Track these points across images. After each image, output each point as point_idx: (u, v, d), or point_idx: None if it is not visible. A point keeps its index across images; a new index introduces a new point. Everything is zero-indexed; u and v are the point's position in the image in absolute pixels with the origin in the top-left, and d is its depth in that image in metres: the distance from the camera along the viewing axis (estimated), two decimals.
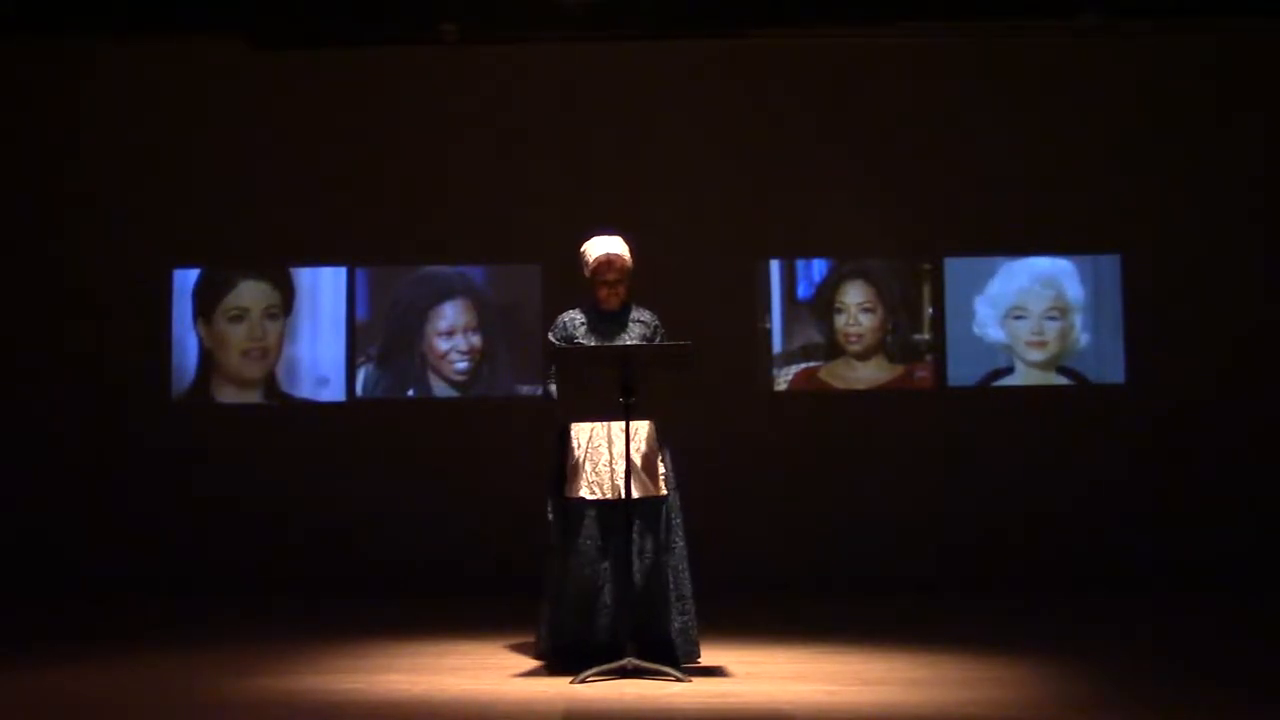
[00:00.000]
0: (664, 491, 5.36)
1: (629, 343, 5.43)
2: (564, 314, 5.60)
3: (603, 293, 5.50)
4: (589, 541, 5.30)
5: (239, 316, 8.17)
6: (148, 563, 7.81)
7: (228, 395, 8.14)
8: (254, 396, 8.14)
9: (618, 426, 5.28)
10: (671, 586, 5.32)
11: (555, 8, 7.59)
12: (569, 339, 5.49)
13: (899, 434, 8.02)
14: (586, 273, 5.52)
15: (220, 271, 8.19)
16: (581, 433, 5.37)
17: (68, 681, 5.20)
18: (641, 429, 5.33)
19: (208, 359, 8.16)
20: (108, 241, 8.14)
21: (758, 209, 8.15)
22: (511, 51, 8.20)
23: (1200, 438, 7.96)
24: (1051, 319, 8.13)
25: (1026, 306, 8.14)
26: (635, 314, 5.56)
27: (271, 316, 8.18)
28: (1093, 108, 8.17)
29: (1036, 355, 8.12)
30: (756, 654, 5.70)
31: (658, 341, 5.50)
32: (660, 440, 5.41)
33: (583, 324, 5.53)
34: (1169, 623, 6.67)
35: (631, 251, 5.52)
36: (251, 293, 8.19)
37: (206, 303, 8.18)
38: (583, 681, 5.02)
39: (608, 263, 5.46)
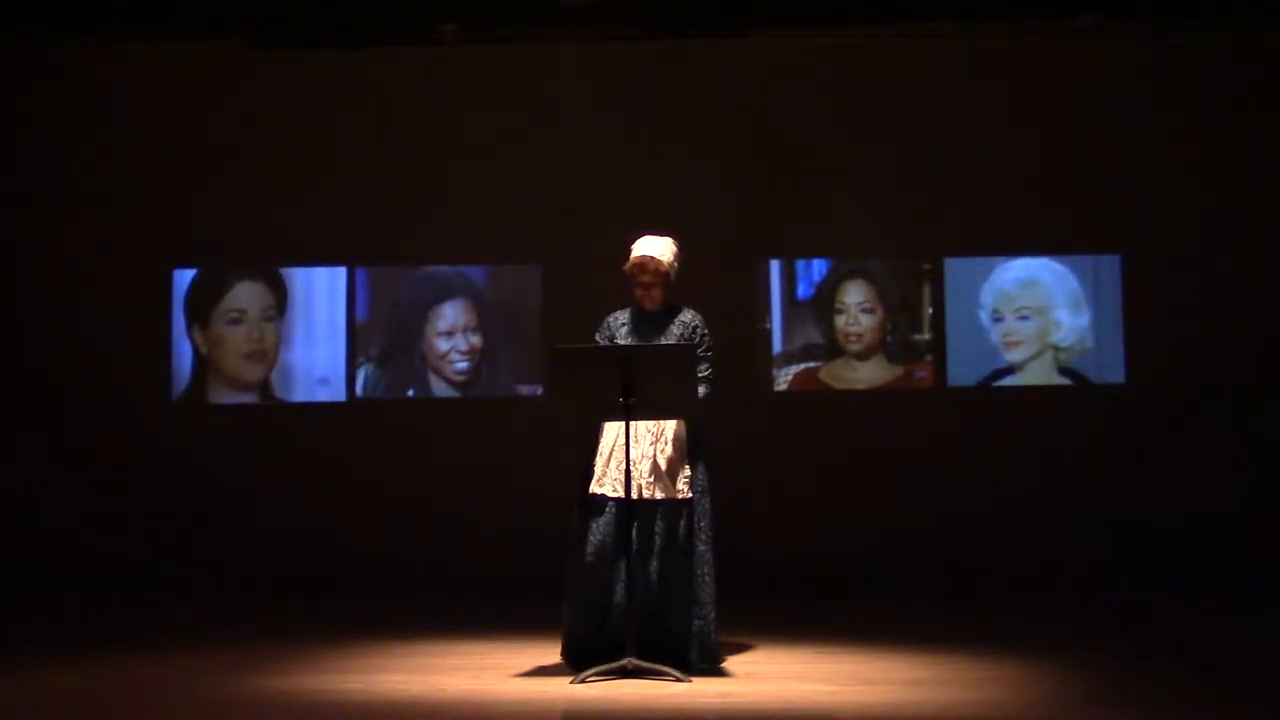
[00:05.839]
0: (685, 495, 5.32)
1: (665, 344, 5.42)
2: (611, 314, 5.60)
3: (637, 293, 5.53)
4: (606, 540, 5.28)
5: (237, 319, 8.17)
6: (148, 563, 7.81)
7: (225, 398, 8.14)
8: (251, 399, 8.15)
9: (645, 426, 5.29)
10: (690, 589, 5.29)
11: (555, 8, 7.58)
12: (611, 339, 5.52)
13: (899, 434, 8.02)
14: (627, 270, 5.54)
15: (216, 273, 8.18)
16: (610, 431, 5.37)
17: (68, 681, 5.20)
18: (669, 429, 5.33)
19: (203, 362, 8.15)
20: (107, 241, 8.13)
21: (758, 209, 8.14)
22: (511, 51, 8.20)
23: (1200, 437, 7.96)
24: (1054, 318, 8.13)
25: (1028, 307, 8.14)
26: (679, 315, 5.55)
27: (269, 318, 8.18)
28: (1092, 108, 8.16)
29: (1040, 355, 8.12)
30: (756, 654, 5.71)
31: (696, 342, 5.46)
32: (693, 443, 5.38)
33: (624, 324, 5.55)
34: (1168, 622, 6.67)
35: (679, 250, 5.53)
36: (248, 294, 8.19)
37: (203, 306, 8.17)
38: (582, 681, 5.02)
39: (641, 265, 5.48)
